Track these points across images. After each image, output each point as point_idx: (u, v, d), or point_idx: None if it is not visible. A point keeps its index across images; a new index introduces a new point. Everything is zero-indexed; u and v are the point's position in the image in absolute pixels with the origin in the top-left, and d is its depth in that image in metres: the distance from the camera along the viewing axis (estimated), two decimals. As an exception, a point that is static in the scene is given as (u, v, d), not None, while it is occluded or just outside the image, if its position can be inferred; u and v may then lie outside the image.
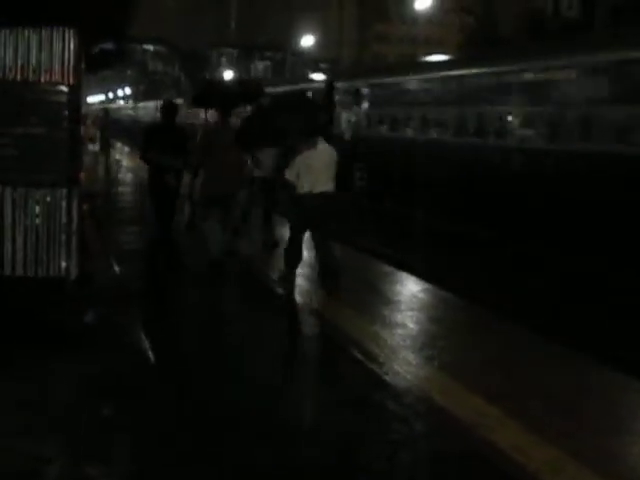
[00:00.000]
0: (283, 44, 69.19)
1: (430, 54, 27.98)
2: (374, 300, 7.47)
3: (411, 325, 6.62)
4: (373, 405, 4.79)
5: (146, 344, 5.76)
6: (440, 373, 5.37)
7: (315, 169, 7.42)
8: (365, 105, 21.16)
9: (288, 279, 7.66)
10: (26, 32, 5.88)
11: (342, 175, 8.08)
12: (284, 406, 4.76)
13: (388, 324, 6.55)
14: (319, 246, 7.51)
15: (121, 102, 79.71)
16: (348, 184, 18.13)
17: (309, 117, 7.99)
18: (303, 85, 25.10)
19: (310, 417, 4.76)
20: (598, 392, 5.31)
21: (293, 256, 7.61)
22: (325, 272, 7.51)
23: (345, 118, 21.74)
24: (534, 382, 5.34)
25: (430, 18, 54.22)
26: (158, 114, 9.95)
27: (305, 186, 7.41)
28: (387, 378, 5.22)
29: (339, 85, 22.52)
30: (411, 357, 5.68)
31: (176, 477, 3.80)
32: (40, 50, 5.89)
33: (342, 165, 7.98)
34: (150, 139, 8.58)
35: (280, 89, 22.78)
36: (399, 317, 6.84)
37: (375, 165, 19.79)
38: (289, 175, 7.57)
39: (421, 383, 5.15)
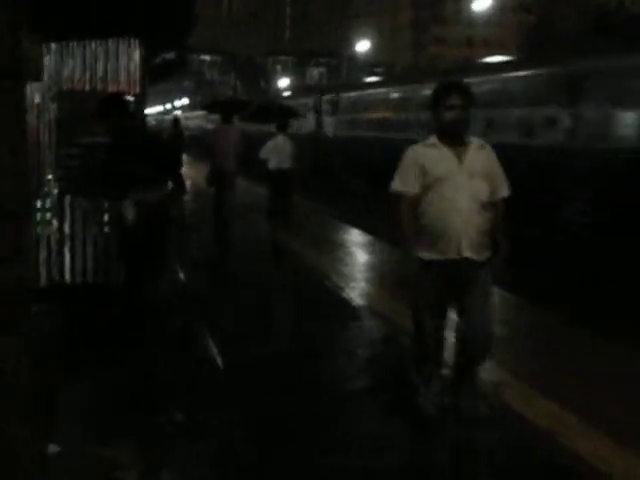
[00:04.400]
0: (338, 50, 69.35)
1: (488, 55, 27.79)
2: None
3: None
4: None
5: (213, 350, 5.76)
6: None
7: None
8: None
9: None
10: (92, 44, 5.99)
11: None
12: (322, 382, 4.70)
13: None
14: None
15: (179, 112, 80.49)
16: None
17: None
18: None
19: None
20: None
21: None
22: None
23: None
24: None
25: (489, 19, 53.63)
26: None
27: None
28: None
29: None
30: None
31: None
32: (106, 61, 5.98)
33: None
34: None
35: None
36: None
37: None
38: None
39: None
